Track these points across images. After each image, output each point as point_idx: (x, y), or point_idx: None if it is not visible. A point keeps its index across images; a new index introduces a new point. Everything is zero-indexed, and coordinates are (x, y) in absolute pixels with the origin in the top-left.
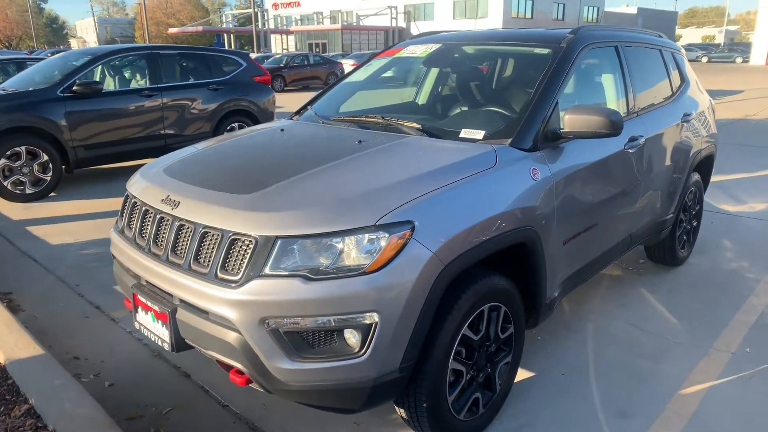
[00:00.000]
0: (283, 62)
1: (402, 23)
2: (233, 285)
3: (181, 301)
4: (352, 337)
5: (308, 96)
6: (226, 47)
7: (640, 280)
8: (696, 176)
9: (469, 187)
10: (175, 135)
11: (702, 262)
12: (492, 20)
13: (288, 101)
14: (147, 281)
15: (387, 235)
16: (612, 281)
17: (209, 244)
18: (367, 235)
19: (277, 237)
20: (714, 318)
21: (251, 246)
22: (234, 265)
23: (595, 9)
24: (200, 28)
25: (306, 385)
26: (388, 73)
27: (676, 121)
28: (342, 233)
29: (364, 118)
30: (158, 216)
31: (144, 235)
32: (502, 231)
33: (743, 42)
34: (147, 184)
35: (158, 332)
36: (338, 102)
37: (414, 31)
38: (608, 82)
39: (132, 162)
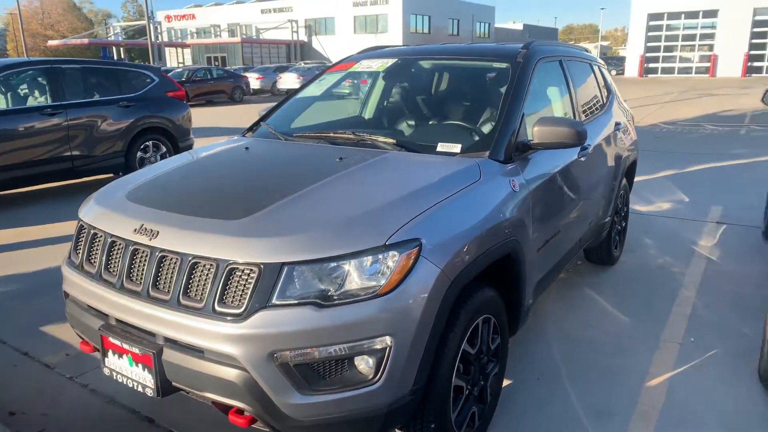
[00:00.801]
0: (185, 76)
1: (303, 37)
2: (236, 318)
3: (167, 340)
4: (364, 364)
5: (214, 111)
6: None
7: (582, 281)
8: (624, 180)
9: (462, 201)
10: (83, 156)
11: (631, 260)
12: (392, 35)
13: (194, 117)
14: (119, 320)
15: (397, 254)
16: (559, 284)
17: (201, 276)
18: (378, 256)
19: (284, 263)
20: (655, 312)
21: (254, 275)
22: (234, 296)
23: (487, 25)
24: (85, 41)
25: (318, 419)
26: (344, 88)
27: (611, 130)
28: (352, 255)
29: (332, 134)
30: (132, 248)
31: (112, 270)
32: (494, 243)
33: (616, 56)
34: (109, 212)
35: (138, 377)
36: (294, 118)
37: (316, 45)
38: (557, 94)
39: (34, 187)
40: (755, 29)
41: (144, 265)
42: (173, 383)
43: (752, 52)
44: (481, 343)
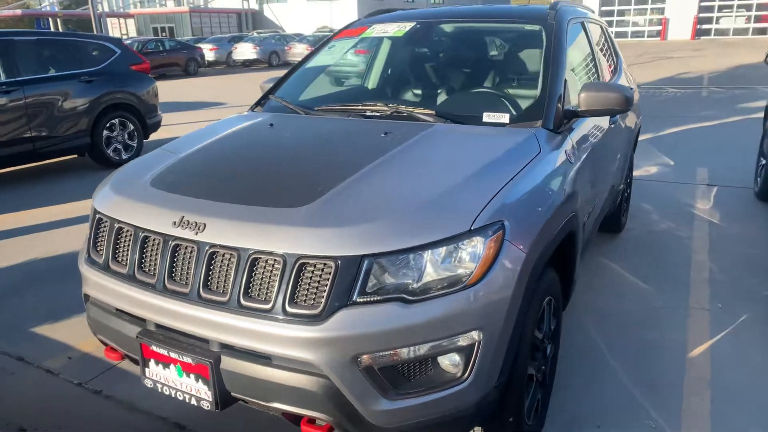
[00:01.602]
0: (135, 48)
1: (254, 5)
2: (312, 320)
3: (224, 346)
4: (453, 362)
5: (169, 84)
6: None
7: (595, 250)
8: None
9: (530, 177)
10: (45, 137)
11: (636, 227)
12: (346, 2)
13: None
14: (160, 325)
15: (483, 240)
16: None
17: (265, 273)
18: (463, 242)
19: (364, 256)
20: (674, 279)
21: (329, 270)
22: (308, 295)
23: None
24: (18, 12)
25: (405, 424)
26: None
27: None
28: (436, 244)
29: (361, 106)
30: (172, 243)
31: (148, 270)
32: (564, 220)
33: None
34: (135, 203)
35: (190, 389)
36: (305, 89)
37: (268, 14)
38: (583, 57)
39: None
40: None
41: (190, 262)
42: (233, 394)
43: (701, 15)
44: (545, 326)
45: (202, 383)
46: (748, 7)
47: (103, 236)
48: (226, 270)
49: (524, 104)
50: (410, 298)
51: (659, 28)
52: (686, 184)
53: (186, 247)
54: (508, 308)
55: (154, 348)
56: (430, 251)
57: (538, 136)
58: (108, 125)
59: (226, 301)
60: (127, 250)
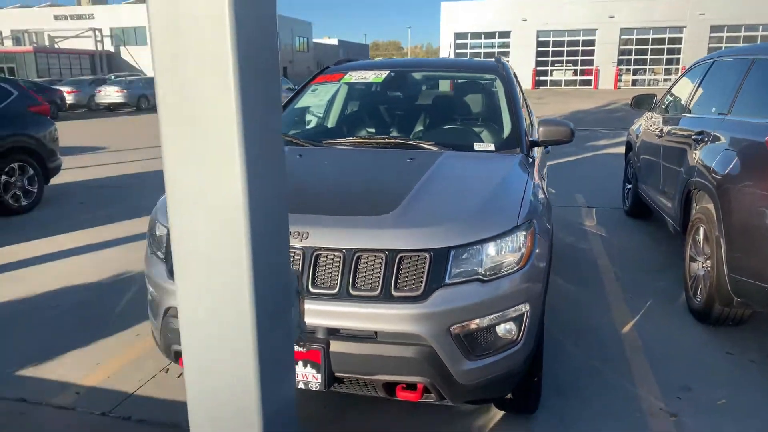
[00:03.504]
0: None
1: (110, 47)
2: (415, 300)
3: (330, 332)
4: (510, 328)
5: None
6: None
7: None
8: None
9: (532, 189)
10: None
11: None
12: None
13: None
14: None
15: (525, 233)
16: None
17: (370, 267)
18: (514, 235)
19: (450, 248)
20: (590, 279)
21: (426, 260)
22: (409, 281)
23: (306, 39)
24: None
25: (479, 381)
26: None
27: None
28: (499, 236)
29: (368, 139)
30: None
31: None
32: (551, 222)
33: None
34: None
35: (297, 375)
36: (300, 126)
37: (125, 56)
38: (521, 99)
39: None
40: (539, 48)
41: (299, 265)
42: (337, 374)
43: (538, 68)
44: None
45: (311, 367)
46: (575, 62)
47: None
48: (331, 268)
49: (499, 136)
50: (484, 278)
51: None
52: (571, 207)
53: (294, 253)
54: (542, 286)
55: None
56: (495, 242)
57: (521, 160)
58: (7, 170)
59: (335, 293)
60: None
